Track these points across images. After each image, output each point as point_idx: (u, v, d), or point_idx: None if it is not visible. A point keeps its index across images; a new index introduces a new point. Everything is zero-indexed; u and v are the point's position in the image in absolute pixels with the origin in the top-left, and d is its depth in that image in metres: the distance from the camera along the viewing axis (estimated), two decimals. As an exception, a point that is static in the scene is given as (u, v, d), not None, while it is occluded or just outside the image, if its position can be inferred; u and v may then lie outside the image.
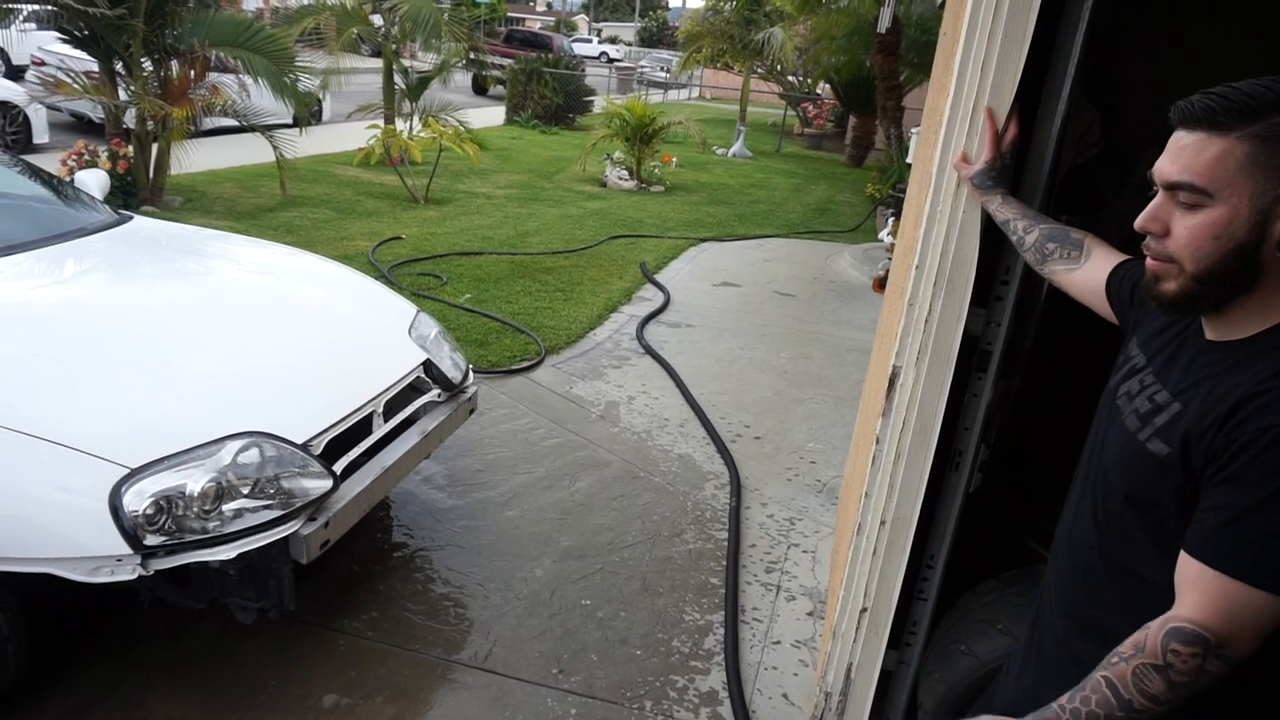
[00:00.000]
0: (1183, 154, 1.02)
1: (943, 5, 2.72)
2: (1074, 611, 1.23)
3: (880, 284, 6.64)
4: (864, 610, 2.00)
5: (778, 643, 2.79)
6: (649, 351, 5.21)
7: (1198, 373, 1.07)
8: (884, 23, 8.89)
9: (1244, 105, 0.98)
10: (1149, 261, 1.09)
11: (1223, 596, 0.96)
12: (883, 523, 1.93)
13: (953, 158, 1.71)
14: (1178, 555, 1.03)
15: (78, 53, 7.62)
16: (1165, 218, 1.05)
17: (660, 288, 6.58)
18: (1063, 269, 1.47)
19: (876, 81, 11.75)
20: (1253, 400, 0.97)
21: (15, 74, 10.54)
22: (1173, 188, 1.04)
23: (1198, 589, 0.98)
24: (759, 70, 17.19)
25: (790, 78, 18.68)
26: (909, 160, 6.00)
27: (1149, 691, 0.99)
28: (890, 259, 5.10)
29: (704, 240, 8.48)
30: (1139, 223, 1.08)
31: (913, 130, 7.80)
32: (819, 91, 19.84)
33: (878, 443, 1.93)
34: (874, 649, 2.02)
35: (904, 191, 3.70)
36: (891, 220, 7.44)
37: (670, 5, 61.67)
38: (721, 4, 16.71)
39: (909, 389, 1.83)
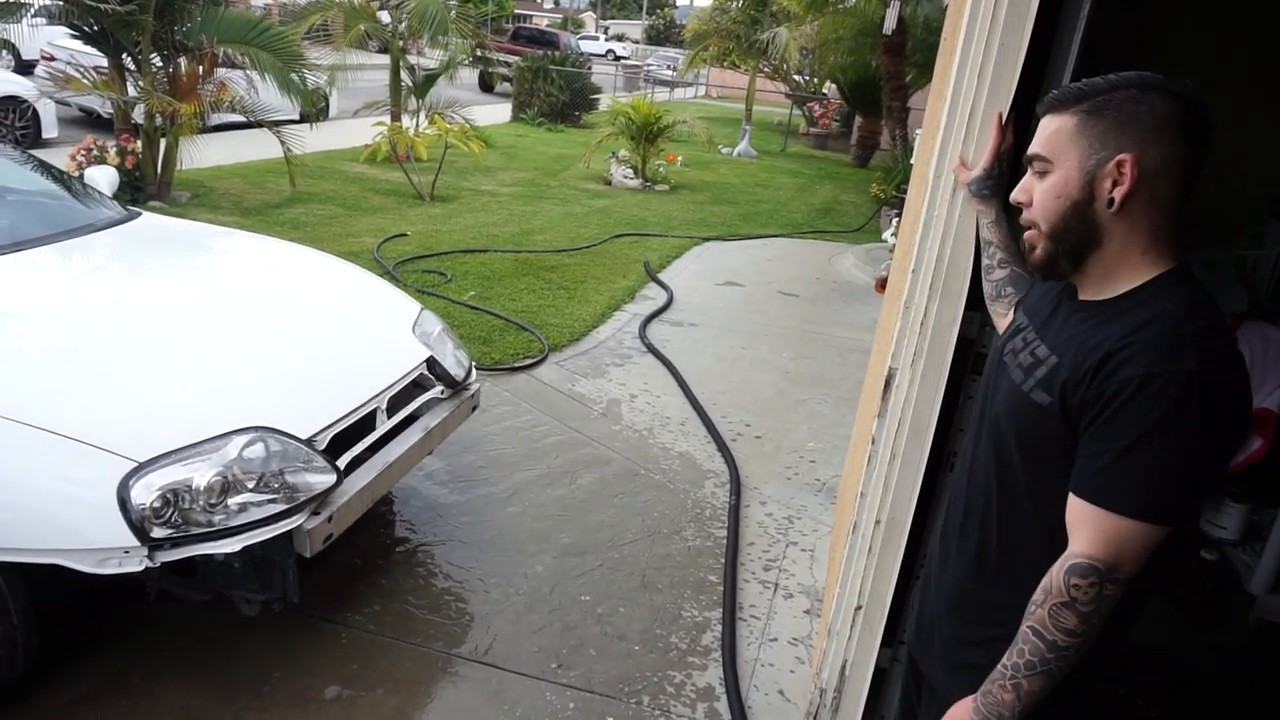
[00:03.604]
0: (1038, 134, 1.23)
1: (948, 7, 2.75)
2: (970, 534, 1.37)
3: (882, 285, 6.65)
4: (859, 608, 2.03)
5: (775, 640, 2.82)
6: (651, 350, 5.24)
7: (1071, 329, 1.21)
8: (890, 24, 8.88)
9: (1078, 91, 1.18)
10: (1025, 233, 1.26)
11: (1106, 529, 1.10)
12: (878, 522, 1.95)
13: (949, 163, 1.73)
14: (1051, 489, 1.19)
15: (87, 48, 7.66)
16: (1030, 189, 1.24)
17: (663, 286, 6.61)
18: (1001, 312, 1.59)
19: (882, 82, 11.74)
20: (1119, 353, 1.10)
21: (25, 69, 10.58)
22: (1029, 160, 1.24)
23: (1085, 526, 1.13)
24: (765, 69, 17.19)
25: (796, 77, 18.68)
26: (913, 161, 6.01)
27: (1065, 627, 1.13)
28: (893, 259, 5.11)
29: (708, 239, 8.50)
30: (1012, 196, 1.28)
31: (917, 131, 7.80)
32: (825, 91, 19.83)
33: (873, 443, 1.95)
34: (868, 646, 2.05)
35: (907, 192, 3.73)
36: (895, 221, 7.45)
37: (677, 3, 61.60)
38: (728, 3, 16.71)
39: (904, 391, 1.86)
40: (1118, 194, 1.14)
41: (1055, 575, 1.13)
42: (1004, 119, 1.65)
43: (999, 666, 1.19)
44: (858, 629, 2.04)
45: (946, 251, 1.77)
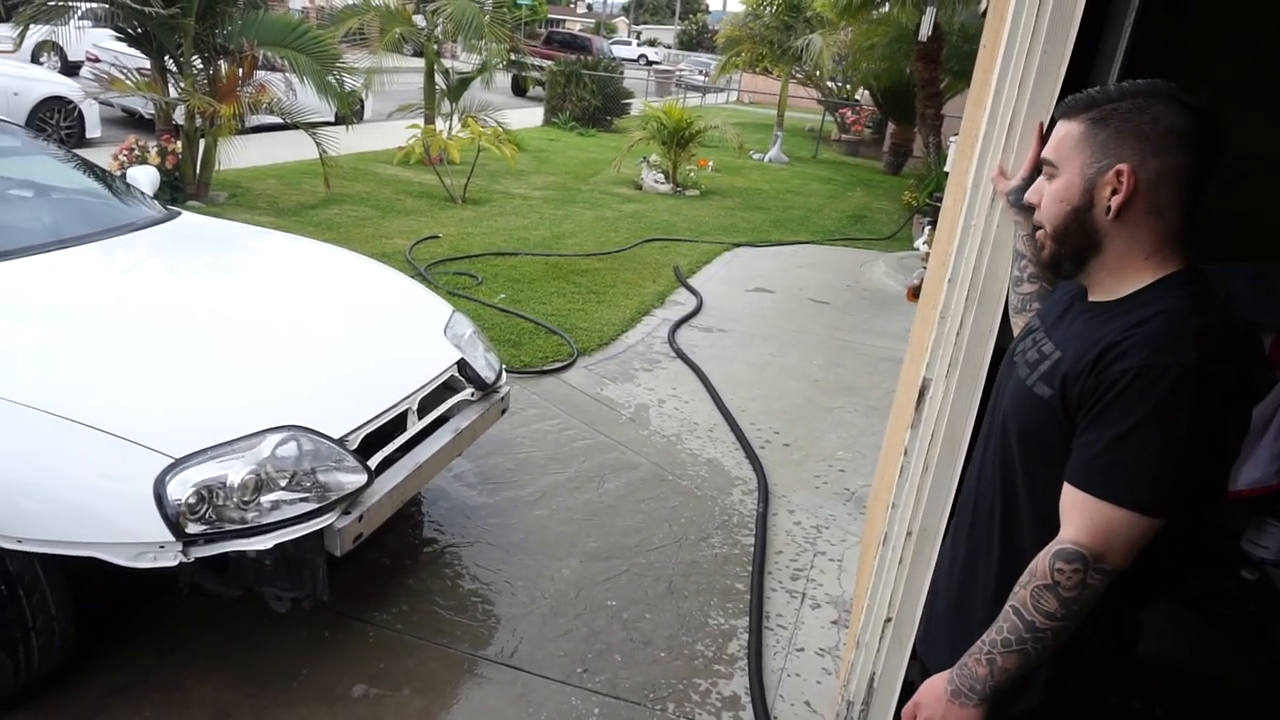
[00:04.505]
0: (1051, 138, 1.27)
1: (985, 13, 2.72)
2: (976, 535, 1.40)
3: (914, 293, 6.60)
4: (888, 620, 2.00)
5: (801, 650, 2.80)
6: (680, 355, 5.23)
7: (1079, 327, 1.24)
8: (925, 31, 8.82)
9: (1089, 98, 1.20)
10: (1037, 232, 1.29)
11: (1095, 517, 1.12)
12: (909, 534, 1.93)
13: (989, 172, 1.71)
14: (1050, 490, 1.19)
15: (131, 50, 7.83)
16: (1041, 190, 1.27)
17: (693, 292, 6.60)
18: (1023, 325, 1.57)
19: (916, 89, 11.65)
20: (1117, 346, 1.12)
21: (71, 70, 10.83)
22: (1040, 164, 1.28)
23: (1075, 513, 1.14)
24: (798, 75, 17.12)
25: (829, 84, 18.58)
26: (947, 169, 5.94)
27: (1045, 609, 1.14)
28: (925, 268, 5.06)
29: (738, 245, 8.47)
30: (1025, 197, 1.33)
31: (951, 138, 7.73)
32: (858, 98, 19.72)
33: (906, 454, 1.93)
34: (897, 659, 2.02)
35: (941, 200, 3.69)
36: (927, 229, 7.39)
37: (710, 9, 61.62)
38: (761, 9, 16.67)
39: (939, 401, 1.83)
40: (1114, 202, 1.16)
41: (1041, 559, 1.15)
42: (1044, 128, 1.63)
43: (978, 641, 1.22)
44: (887, 641, 2.02)
45: (984, 261, 1.74)
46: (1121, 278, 1.20)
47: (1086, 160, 1.19)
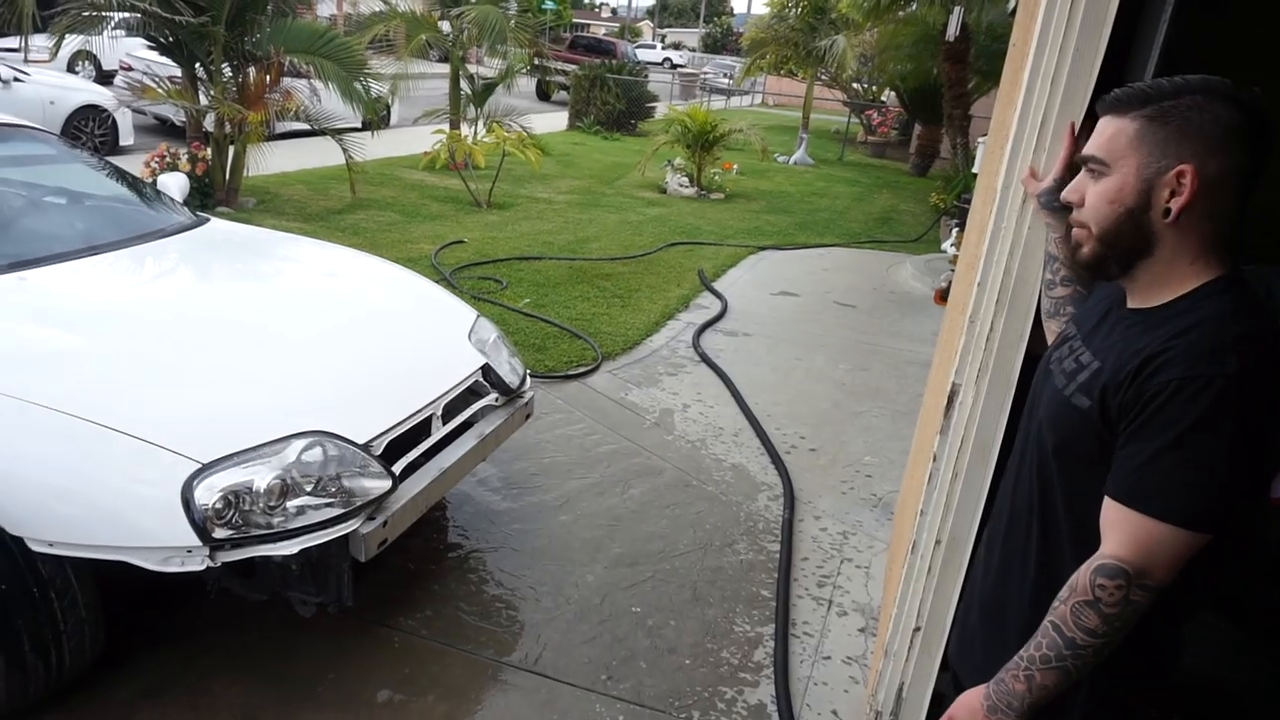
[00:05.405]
0: (1096, 135, 1.20)
1: (1014, 12, 2.68)
2: (1011, 544, 1.37)
3: (942, 296, 6.52)
4: (917, 629, 1.97)
5: (828, 658, 2.76)
6: (705, 360, 5.20)
7: (1117, 335, 1.20)
8: (952, 30, 8.73)
9: (1141, 94, 1.14)
10: (1073, 230, 1.24)
11: (1137, 532, 1.08)
12: (938, 542, 1.90)
13: (1019, 173, 1.68)
14: (1088, 501, 1.16)
15: (163, 59, 7.95)
16: (1082, 189, 1.21)
17: (718, 295, 6.57)
18: (1056, 330, 1.54)
19: (943, 89, 11.55)
20: (1159, 357, 1.08)
21: (105, 79, 11.02)
22: (1084, 161, 1.21)
23: (1117, 528, 1.10)
24: (823, 77, 17.04)
25: (855, 85, 18.47)
26: (975, 170, 5.86)
27: (1086, 626, 1.10)
28: (953, 270, 5.00)
29: (763, 248, 8.44)
30: (1063, 195, 1.27)
31: (979, 140, 7.64)
32: (884, 99, 19.60)
33: (935, 460, 1.90)
34: (926, 669, 1.99)
35: (969, 202, 3.64)
36: (955, 231, 7.30)
37: (735, 11, 61.58)
38: (786, 11, 16.62)
39: (968, 407, 1.80)
40: (1175, 205, 1.11)
41: (1082, 574, 1.12)
42: (1076, 129, 1.59)
43: (1015, 657, 1.19)
44: (915, 651, 1.99)
45: (1014, 265, 1.71)
46: (1165, 282, 1.16)
47: (1144, 159, 1.13)
